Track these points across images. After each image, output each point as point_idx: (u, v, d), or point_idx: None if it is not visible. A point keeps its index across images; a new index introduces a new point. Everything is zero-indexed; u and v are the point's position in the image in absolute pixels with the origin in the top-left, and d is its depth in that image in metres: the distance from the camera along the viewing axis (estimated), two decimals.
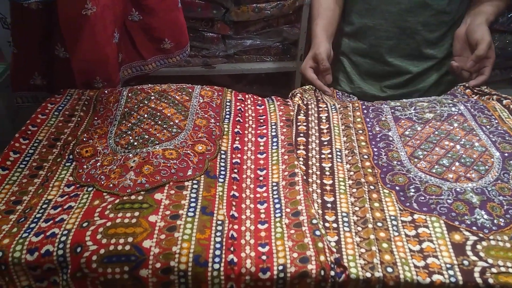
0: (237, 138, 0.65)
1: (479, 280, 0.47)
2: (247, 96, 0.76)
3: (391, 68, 1.07)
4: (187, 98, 0.70)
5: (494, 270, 0.48)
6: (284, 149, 0.64)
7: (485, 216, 0.53)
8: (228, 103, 0.72)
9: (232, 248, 0.49)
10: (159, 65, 0.95)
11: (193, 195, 0.54)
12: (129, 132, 0.64)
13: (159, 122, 0.64)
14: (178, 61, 0.97)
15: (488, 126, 0.68)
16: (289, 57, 1.47)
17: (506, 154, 0.62)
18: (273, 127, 0.68)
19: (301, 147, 0.66)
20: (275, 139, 0.66)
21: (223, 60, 1.44)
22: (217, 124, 0.66)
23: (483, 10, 0.96)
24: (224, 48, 1.40)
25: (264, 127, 0.68)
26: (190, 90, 0.72)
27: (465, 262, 0.49)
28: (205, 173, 0.57)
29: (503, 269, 0.48)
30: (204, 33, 1.35)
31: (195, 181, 0.56)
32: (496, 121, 0.70)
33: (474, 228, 0.52)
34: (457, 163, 0.61)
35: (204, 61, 1.42)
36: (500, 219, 0.53)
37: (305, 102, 0.77)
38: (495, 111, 0.73)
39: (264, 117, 0.71)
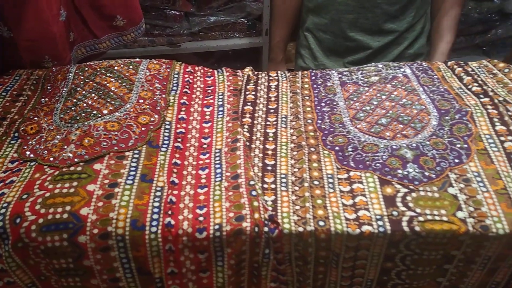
0: (183, 109, 0.66)
1: (406, 229, 0.50)
2: (197, 68, 0.76)
3: (353, 44, 1.08)
4: (133, 71, 0.70)
5: (421, 218, 0.50)
6: (229, 117, 0.65)
7: (417, 170, 0.55)
8: (176, 75, 0.72)
9: (170, 212, 0.50)
10: (114, 43, 0.95)
11: (134, 164, 0.55)
12: (74, 107, 0.64)
13: (103, 96, 0.65)
14: (133, 38, 0.96)
15: (430, 86, 0.70)
16: (255, 32, 1.47)
17: (443, 111, 0.64)
18: (220, 96, 0.69)
19: (247, 115, 0.67)
20: (221, 108, 0.67)
21: (188, 38, 1.43)
22: (163, 95, 0.66)
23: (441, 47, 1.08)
24: (188, 25, 1.40)
25: (211, 97, 0.69)
26: (137, 64, 0.72)
27: (394, 213, 0.51)
28: (147, 143, 0.58)
29: (429, 217, 0.50)
30: (166, 11, 1.34)
31: (136, 151, 0.57)
32: (439, 80, 0.72)
33: (405, 181, 0.54)
34: (395, 122, 0.63)
35: (169, 40, 1.42)
36: (431, 171, 0.55)
37: (255, 73, 0.78)
38: (439, 72, 0.74)
39: (212, 87, 0.71)
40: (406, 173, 0.55)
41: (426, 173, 0.55)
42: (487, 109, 0.63)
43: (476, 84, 0.69)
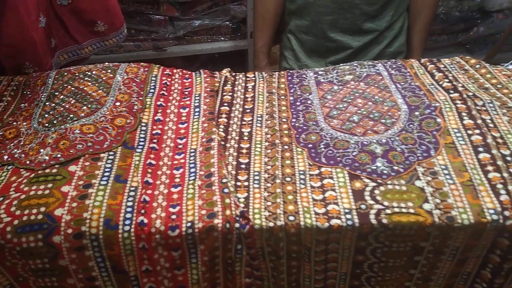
0: (160, 111, 0.67)
1: (374, 221, 0.51)
2: (175, 71, 0.77)
3: (333, 44, 1.10)
4: (111, 75, 0.71)
5: (388, 211, 0.52)
6: (205, 117, 0.66)
7: (386, 164, 0.57)
8: (153, 78, 0.73)
9: (143, 211, 0.51)
10: (96, 48, 0.96)
11: (108, 166, 0.56)
12: (52, 112, 0.65)
13: (80, 99, 0.66)
14: (115, 42, 0.98)
15: (402, 83, 0.72)
16: (240, 35, 1.48)
17: (413, 107, 0.66)
18: (197, 98, 0.70)
19: (224, 115, 0.68)
20: (197, 109, 0.68)
21: (173, 42, 1.44)
22: (140, 98, 0.68)
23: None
24: (173, 30, 1.41)
25: (188, 98, 0.70)
26: (115, 67, 0.74)
27: (363, 206, 0.52)
28: (122, 144, 0.59)
29: (396, 209, 0.52)
30: (151, 16, 1.35)
31: (111, 153, 0.58)
32: (411, 77, 0.73)
33: (374, 175, 0.56)
34: (366, 119, 0.64)
35: (154, 45, 1.43)
36: (400, 165, 0.57)
37: (233, 74, 0.79)
38: (412, 69, 0.76)
39: (189, 89, 0.73)
40: (375, 167, 0.57)
41: (395, 167, 0.56)
42: (456, 104, 0.65)
43: (446, 80, 0.71)
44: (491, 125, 0.61)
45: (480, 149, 0.58)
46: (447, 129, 0.61)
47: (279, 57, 1.30)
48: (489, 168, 0.55)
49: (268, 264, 0.56)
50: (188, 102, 0.69)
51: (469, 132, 0.60)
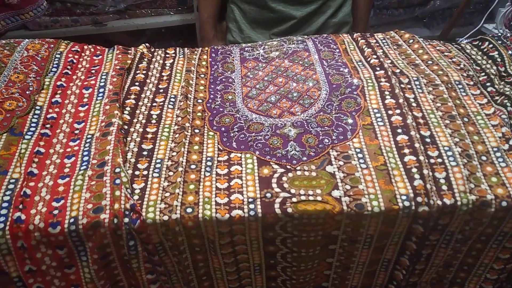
0: (59, 92, 0.60)
1: (278, 211, 0.47)
2: (86, 47, 0.70)
3: (276, 15, 1.04)
4: (9, 53, 0.64)
5: (294, 199, 0.48)
6: (108, 99, 0.60)
7: (297, 148, 0.53)
8: (58, 56, 0.66)
9: (21, 206, 0.46)
10: (10, 22, 0.87)
11: None
12: None
13: None
14: (32, 17, 0.89)
15: (329, 60, 0.67)
16: (186, 8, 1.40)
17: (334, 86, 0.61)
18: (103, 77, 0.64)
19: (132, 96, 0.62)
20: (102, 90, 0.61)
21: (114, 17, 1.35)
22: (37, 78, 0.61)
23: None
24: (113, 3, 1.31)
25: (93, 78, 0.64)
26: (16, 44, 0.66)
27: (268, 195, 0.48)
28: (9, 131, 0.53)
29: (303, 197, 0.48)
30: None
31: None
32: (340, 54, 0.69)
33: (283, 160, 0.52)
34: (284, 99, 0.60)
35: (93, 19, 1.33)
36: (312, 150, 0.53)
37: (152, 50, 0.73)
38: (343, 44, 0.72)
39: (97, 67, 0.66)
40: (285, 152, 0.52)
41: (306, 152, 0.52)
42: (380, 82, 0.61)
43: (374, 57, 0.67)
44: (414, 104, 0.58)
45: (399, 130, 0.54)
46: (367, 109, 0.57)
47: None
48: (406, 151, 0.52)
49: (172, 258, 0.52)
50: (92, 82, 0.63)
51: (390, 112, 0.57)
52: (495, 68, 0.67)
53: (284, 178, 0.50)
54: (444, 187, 0.49)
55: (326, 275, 0.58)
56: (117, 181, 0.48)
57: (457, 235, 0.52)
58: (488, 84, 0.65)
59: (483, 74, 0.67)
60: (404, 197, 0.48)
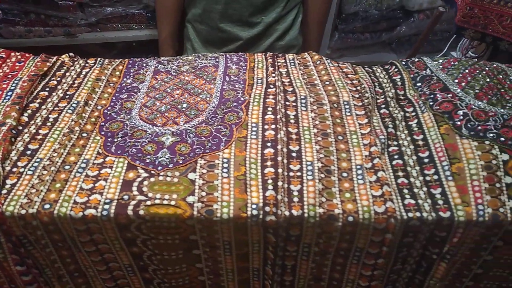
0: None
1: (130, 213, 0.50)
2: (13, 54, 0.76)
3: (224, 35, 1.09)
4: None
5: (148, 202, 0.51)
6: (11, 101, 0.64)
7: (167, 156, 0.56)
8: None
9: None
10: None
11: None
12: None
13: None
14: None
15: (233, 76, 0.71)
16: (155, 24, 1.46)
17: (223, 100, 0.64)
18: (16, 82, 0.68)
19: (38, 100, 0.67)
20: (9, 93, 0.66)
21: (86, 29, 1.42)
22: None
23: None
24: (84, 16, 1.38)
25: (6, 82, 0.68)
26: None
27: (125, 197, 0.51)
28: None
29: (157, 201, 0.51)
30: (58, 1, 1.32)
31: None
32: (245, 71, 0.72)
33: (150, 166, 0.55)
34: (173, 110, 0.63)
35: (65, 31, 1.40)
36: (182, 157, 0.56)
37: (74, 59, 0.78)
38: (252, 63, 0.75)
39: (15, 73, 0.71)
40: (155, 158, 0.56)
41: (175, 159, 0.55)
42: (267, 98, 0.64)
43: (273, 75, 0.70)
44: (292, 120, 0.61)
45: (269, 144, 0.57)
46: (246, 123, 0.60)
47: None
48: (268, 163, 0.55)
49: (41, 252, 0.55)
50: (4, 86, 0.67)
51: (266, 127, 0.60)
52: (393, 92, 0.70)
53: (145, 183, 0.53)
54: (296, 199, 0.51)
55: (202, 281, 0.60)
56: None
57: (314, 247, 0.54)
58: (383, 106, 0.68)
59: (382, 96, 0.70)
60: (254, 206, 0.51)
